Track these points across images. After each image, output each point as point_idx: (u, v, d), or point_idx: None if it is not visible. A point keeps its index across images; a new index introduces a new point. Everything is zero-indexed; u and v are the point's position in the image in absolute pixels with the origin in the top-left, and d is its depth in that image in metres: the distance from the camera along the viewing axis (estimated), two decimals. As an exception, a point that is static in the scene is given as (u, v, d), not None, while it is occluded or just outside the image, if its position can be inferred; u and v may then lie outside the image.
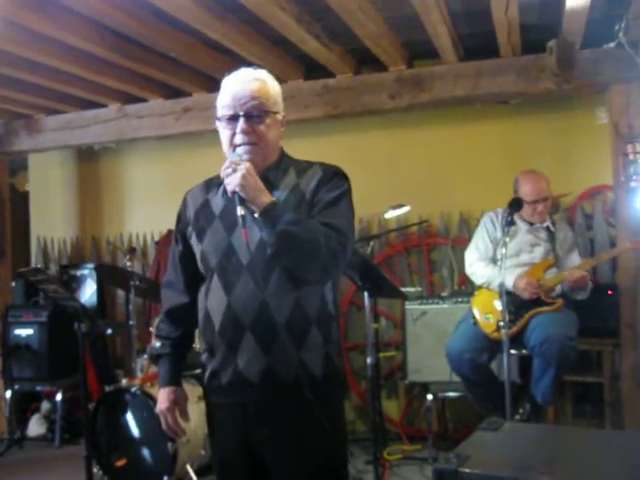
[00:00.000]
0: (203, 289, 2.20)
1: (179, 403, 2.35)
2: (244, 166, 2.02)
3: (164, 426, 2.37)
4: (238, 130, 2.11)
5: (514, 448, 1.97)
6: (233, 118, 2.12)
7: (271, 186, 2.13)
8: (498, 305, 3.96)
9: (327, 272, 2.05)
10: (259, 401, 2.10)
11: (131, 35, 4.19)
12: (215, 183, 2.25)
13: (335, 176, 2.16)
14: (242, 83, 2.14)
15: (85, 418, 3.68)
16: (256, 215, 2.01)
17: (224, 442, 2.22)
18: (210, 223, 2.19)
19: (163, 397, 2.33)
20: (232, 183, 2.01)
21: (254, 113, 2.10)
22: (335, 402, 2.20)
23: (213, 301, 2.15)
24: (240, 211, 1.99)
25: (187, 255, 2.28)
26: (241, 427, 2.14)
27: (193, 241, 2.24)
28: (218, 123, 2.18)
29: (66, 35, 3.98)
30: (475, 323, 4.16)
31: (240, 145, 2.12)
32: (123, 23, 3.95)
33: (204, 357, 2.22)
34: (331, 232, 2.02)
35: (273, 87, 2.19)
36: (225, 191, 2.15)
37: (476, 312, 4.21)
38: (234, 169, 2.02)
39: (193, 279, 2.27)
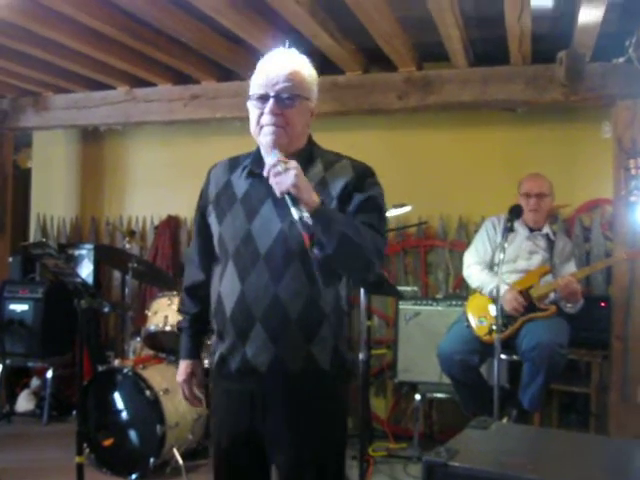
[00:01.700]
0: (218, 272, 2.20)
1: (195, 375, 2.40)
2: (295, 165, 1.95)
3: (182, 396, 2.44)
4: (266, 110, 2.06)
5: (502, 446, 2.00)
6: (263, 98, 2.08)
7: None
8: (492, 309, 4.01)
9: (370, 271, 2.04)
10: (266, 390, 2.11)
11: (143, 17, 4.19)
12: (239, 163, 2.23)
13: (367, 177, 2.15)
14: (277, 64, 2.11)
15: (79, 393, 3.71)
16: (305, 214, 1.92)
17: (229, 428, 2.22)
18: (231, 206, 2.17)
19: (181, 370, 2.40)
20: (284, 183, 1.92)
21: (284, 95, 2.06)
22: (341, 394, 2.21)
23: (227, 286, 2.14)
24: (296, 214, 1.92)
25: (203, 233, 2.29)
26: (247, 415, 2.15)
27: (212, 220, 2.22)
28: (249, 102, 2.14)
29: (78, 12, 3.99)
30: (468, 326, 4.19)
31: (266, 126, 2.07)
32: (136, 4, 3.96)
33: (214, 340, 2.23)
34: (374, 233, 2.03)
35: (309, 74, 2.15)
36: (249, 175, 2.16)
37: (470, 315, 4.23)
38: (285, 168, 1.94)
39: (208, 257, 2.28)
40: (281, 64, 2.10)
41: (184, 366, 2.40)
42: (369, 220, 2.06)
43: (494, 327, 3.72)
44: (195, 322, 2.40)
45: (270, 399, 2.11)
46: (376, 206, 2.12)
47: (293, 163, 1.96)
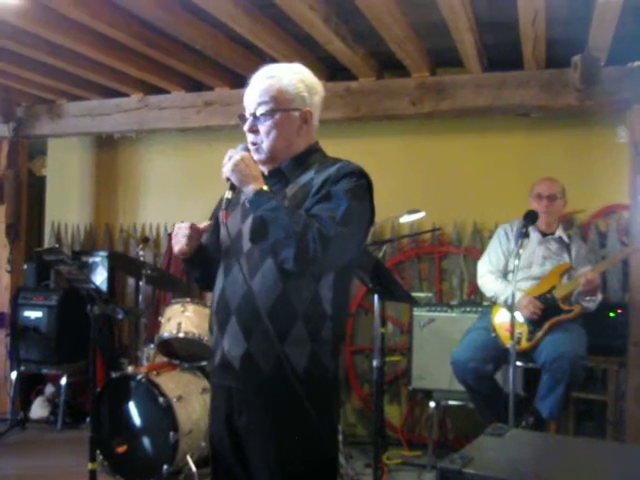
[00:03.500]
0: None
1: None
2: (239, 155, 2.12)
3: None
4: (245, 129, 2.23)
5: (517, 454, 1.98)
6: (246, 118, 2.24)
7: (286, 180, 2.21)
8: (519, 316, 4.00)
9: (300, 263, 1.99)
10: (240, 388, 2.17)
11: (157, 25, 4.20)
12: None
13: (347, 175, 2.13)
14: (253, 83, 2.23)
15: (92, 398, 3.71)
16: (229, 196, 2.14)
17: (215, 422, 2.31)
18: (234, 209, 2.26)
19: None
20: (224, 171, 2.12)
21: (258, 113, 2.19)
22: (318, 402, 2.12)
23: (217, 282, 2.26)
24: (227, 194, 2.13)
25: (212, 236, 2.41)
26: (226, 410, 2.22)
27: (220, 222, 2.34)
28: None
29: (92, 20, 4.00)
30: (497, 336, 4.16)
31: (249, 143, 2.24)
32: (150, 12, 3.97)
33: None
34: (314, 224, 1.99)
35: (290, 83, 2.20)
36: None
37: (498, 323, 4.21)
38: (230, 157, 2.12)
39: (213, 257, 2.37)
40: (254, 84, 2.23)
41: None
42: (318, 211, 2.06)
43: (519, 332, 3.71)
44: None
45: (244, 397, 2.16)
46: (336, 197, 2.08)
47: (240, 153, 2.13)
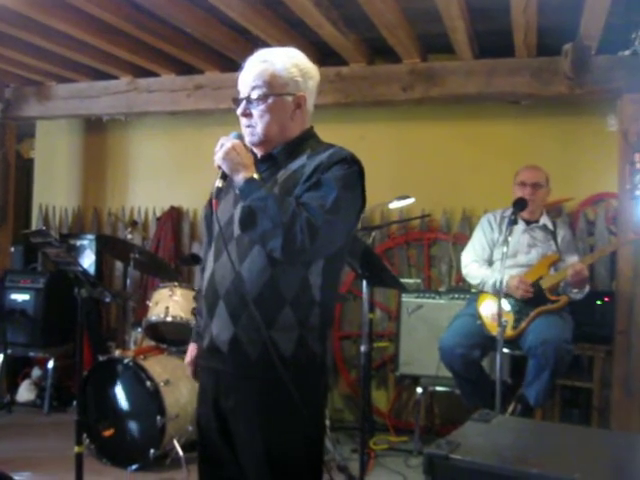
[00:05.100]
0: None
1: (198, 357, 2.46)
2: (230, 143, 2.12)
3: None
4: (238, 113, 2.23)
5: (504, 440, 1.99)
6: (240, 101, 2.23)
7: (277, 166, 2.20)
8: (505, 304, 4.00)
9: (288, 253, 2.00)
10: (227, 371, 2.18)
11: (148, 7, 4.16)
12: None
13: (339, 163, 2.12)
14: (247, 67, 2.23)
15: (78, 382, 3.70)
16: (220, 184, 2.13)
17: (202, 404, 2.33)
18: (227, 194, 2.26)
19: (188, 351, 2.50)
20: (215, 159, 2.12)
21: (252, 97, 2.19)
22: (305, 387, 2.12)
23: (207, 267, 2.27)
24: (218, 183, 2.12)
25: (208, 221, 2.44)
26: (213, 393, 2.24)
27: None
28: None
29: (82, 2, 3.97)
30: (482, 324, 4.17)
31: (242, 126, 2.24)
32: (141, -6, 3.95)
33: None
34: (302, 213, 1.99)
35: (284, 67, 2.19)
36: None
37: (483, 311, 4.22)
38: (221, 145, 2.12)
39: None
40: (248, 67, 2.23)
41: (190, 348, 2.49)
42: (307, 199, 2.05)
43: (505, 320, 3.72)
44: None
45: (232, 381, 2.17)
46: (326, 185, 2.07)
47: (229, 143, 2.11)
